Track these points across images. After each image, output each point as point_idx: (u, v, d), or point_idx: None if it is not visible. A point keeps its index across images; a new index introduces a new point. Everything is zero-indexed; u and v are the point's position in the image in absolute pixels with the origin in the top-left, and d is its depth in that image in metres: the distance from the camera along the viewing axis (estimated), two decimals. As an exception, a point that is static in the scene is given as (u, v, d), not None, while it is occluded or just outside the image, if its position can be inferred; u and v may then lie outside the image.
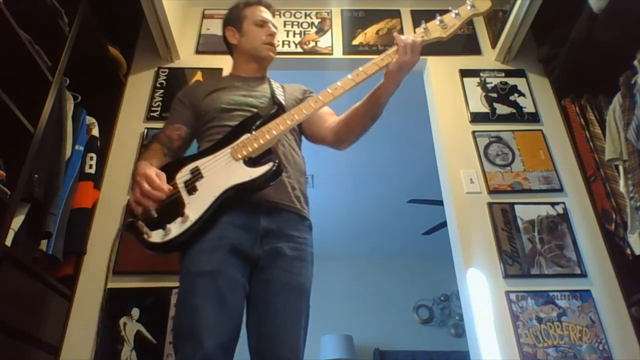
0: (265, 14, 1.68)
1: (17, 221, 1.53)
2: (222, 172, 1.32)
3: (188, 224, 1.24)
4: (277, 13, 2.69)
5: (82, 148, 1.92)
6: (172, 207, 1.27)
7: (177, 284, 1.82)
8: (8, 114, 1.43)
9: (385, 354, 4.88)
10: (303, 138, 1.64)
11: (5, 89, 1.40)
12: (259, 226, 1.32)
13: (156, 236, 1.24)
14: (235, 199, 1.29)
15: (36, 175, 1.60)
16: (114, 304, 1.80)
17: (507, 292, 1.86)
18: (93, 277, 1.86)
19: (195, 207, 1.27)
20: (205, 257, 1.23)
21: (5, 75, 1.46)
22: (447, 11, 2.90)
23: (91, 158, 1.97)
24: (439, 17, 1.43)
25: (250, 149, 1.34)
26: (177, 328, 1.20)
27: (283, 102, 1.52)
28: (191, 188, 1.30)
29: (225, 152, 1.36)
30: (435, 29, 1.43)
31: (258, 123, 1.40)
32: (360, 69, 1.40)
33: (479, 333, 1.80)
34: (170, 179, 1.33)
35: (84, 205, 1.89)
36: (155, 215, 1.26)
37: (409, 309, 5.33)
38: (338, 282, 5.01)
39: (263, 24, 1.65)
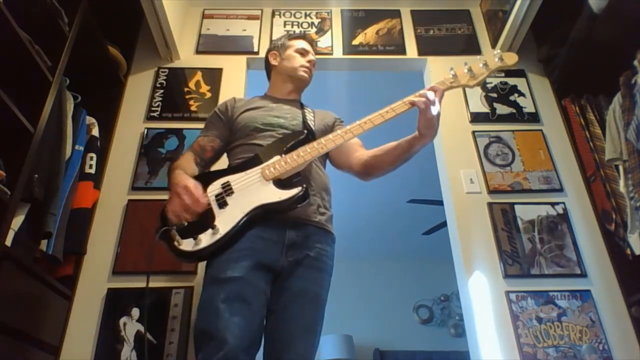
0: (307, 46, 1.80)
1: (17, 221, 1.53)
2: (252, 190, 1.39)
3: (218, 236, 1.30)
4: (277, 13, 2.71)
5: (82, 148, 1.92)
6: (203, 219, 1.34)
7: (177, 284, 1.84)
8: (8, 114, 1.43)
9: (385, 354, 4.88)
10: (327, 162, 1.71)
11: (5, 89, 1.40)
12: (284, 238, 1.40)
13: (187, 245, 1.30)
14: (262, 217, 1.36)
15: (36, 175, 1.60)
16: (114, 304, 1.80)
17: (507, 292, 1.86)
18: (93, 277, 1.86)
19: (225, 220, 1.33)
20: (232, 265, 1.29)
21: (5, 75, 1.46)
22: (446, 12, 2.92)
23: (91, 158, 1.97)
24: (467, 66, 1.49)
25: (280, 171, 1.41)
26: (200, 329, 1.23)
27: (313, 128, 1.60)
28: (222, 202, 1.37)
29: (256, 171, 1.43)
30: (463, 76, 1.50)
31: (289, 146, 1.48)
32: (390, 107, 1.46)
33: (479, 333, 1.80)
34: (202, 190, 1.39)
35: (84, 205, 1.89)
36: (186, 224, 1.32)
37: (409, 309, 5.33)
38: (338, 282, 4.96)
39: (305, 52, 1.77)
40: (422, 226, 4.58)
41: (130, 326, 1.76)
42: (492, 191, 2.10)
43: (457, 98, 2.38)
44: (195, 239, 1.30)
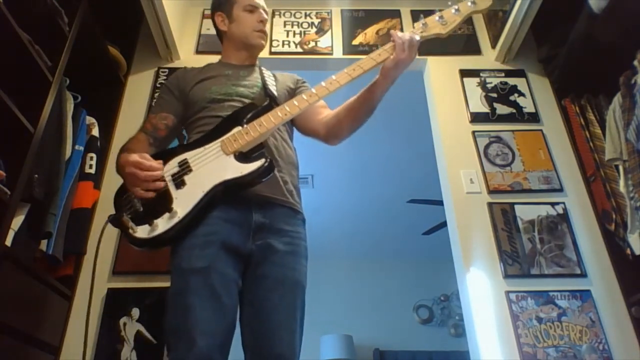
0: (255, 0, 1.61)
1: (17, 221, 1.53)
2: (212, 166, 1.27)
3: (176, 219, 1.20)
4: (277, 13, 2.71)
5: (82, 148, 1.92)
6: (159, 202, 1.23)
7: (177, 284, 1.83)
8: (8, 114, 1.43)
9: (385, 354, 4.88)
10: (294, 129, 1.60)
11: (5, 89, 1.40)
12: (251, 221, 1.29)
13: (142, 232, 1.20)
14: (225, 195, 1.25)
15: (36, 175, 1.60)
16: (114, 304, 1.80)
17: (507, 292, 1.86)
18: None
19: (184, 202, 1.22)
20: (197, 253, 1.19)
21: (5, 75, 1.46)
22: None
23: (91, 158, 1.97)
24: (438, 13, 1.39)
25: (241, 143, 1.29)
26: (170, 327, 1.15)
27: (275, 93, 1.48)
28: (179, 182, 1.26)
29: (215, 145, 1.31)
30: (434, 25, 1.39)
31: (250, 115, 1.35)
32: (357, 63, 1.36)
33: (479, 333, 1.80)
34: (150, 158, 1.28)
35: (84, 205, 1.89)
36: (141, 209, 1.23)
37: (409, 309, 5.33)
38: (338, 282, 5.01)
39: (253, 9, 1.58)
40: (422, 226, 4.58)
41: (130, 326, 1.76)
42: (492, 191, 2.10)
43: (457, 98, 2.38)
44: (150, 224, 1.20)
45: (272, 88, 1.49)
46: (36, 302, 1.63)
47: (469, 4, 1.40)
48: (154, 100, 1.56)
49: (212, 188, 1.24)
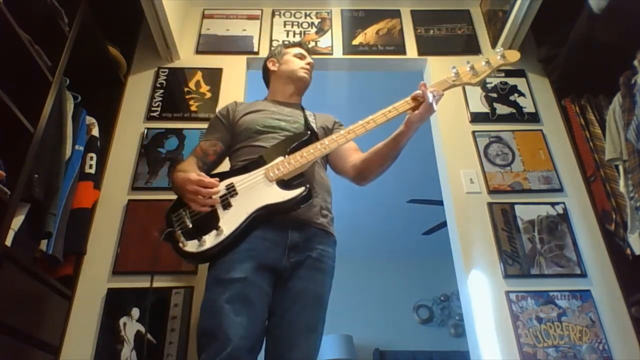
0: (304, 52, 1.83)
1: (17, 221, 1.53)
2: (256, 191, 1.41)
3: (222, 237, 1.33)
4: (277, 13, 2.71)
5: (82, 148, 1.92)
6: (208, 220, 1.36)
7: (177, 284, 1.84)
8: (8, 114, 1.43)
9: (385, 354, 4.88)
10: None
11: (5, 89, 1.40)
12: (287, 240, 1.41)
13: (191, 246, 1.33)
14: (266, 217, 1.38)
15: (36, 175, 1.60)
16: (114, 304, 1.80)
17: (507, 292, 1.86)
18: (93, 277, 1.86)
19: (229, 221, 1.35)
20: (236, 266, 1.30)
21: (5, 75, 1.46)
22: (446, 12, 2.92)
23: (91, 158, 1.97)
24: (469, 64, 1.52)
25: (284, 172, 1.43)
26: (204, 328, 1.24)
27: (315, 129, 1.62)
28: (226, 203, 1.39)
29: (260, 173, 1.44)
30: (465, 74, 1.52)
31: (292, 147, 1.49)
32: (392, 106, 1.49)
33: (479, 333, 1.80)
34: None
35: (84, 205, 1.89)
36: (190, 226, 1.36)
37: (409, 309, 5.33)
38: (338, 282, 4.97)
39: (302, 57, 1.81)
40: (422, 226, 4.58)
41: (130, 326, 1.76)
42: (492, 191, 2.10)
43: (457, 98, 2.38)
44: (199, 240, 1.32)
45: (313, 124, 1.65)
46: (36, 302, 1.62)
47: (499, 57, 1.53)
48: (207, 127, 1.73)
49: (255, 211, 1.37)
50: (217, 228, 1.34)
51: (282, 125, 1.61)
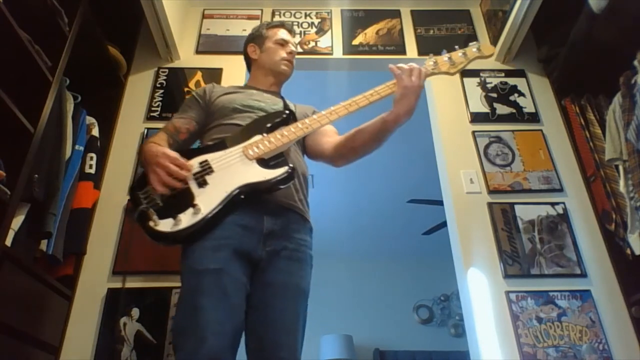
0: (287, 35, 1.74)
1: (17, 221, 1.53)
2: (235, 169, 1.32)
3: (200, 216, 1.23)
4: (277, 13, 2.71)
5: (82, 148, 1.92)
6: (180, 198, 1.26)
7: (177, 284, 1.83)
8: (8, 114, 1.43)
9: (385, 354, 4.88)
10: None
11: (5, 89, 1.40)
12: (262, 227, 1.33)
13: (164, 225, 1.22)
14: (246, 198, 1.29)
15: (36, 175, 1.60)
16: (114, 304, 1.80)
17: (507, 292, 1.86)
18: (93, 277, 1.86)
19: (207, 199, 1.25)
20: (210, 255, 1.22)
21: (5, 75, 1.46)
22: (446, 12, 2.92)
23: (91, 158, 1.97)
24: (446, 55, 1.51)
25: (264, 150, 1.36)
26: (180, 325, 1.18)
27: (294, 112, 1.56)
28: (201, 181, 1.30)
29: (237, 150, 1.36)
30: (443, 64, 1.50)
31: (270, 125, 1.43)
32: (374, 89, 1.44)
33: (479, 333, 1.80)
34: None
35: (84, 205, 1.88)
36: (161, 204, 1.25)
37: (409, 309, 5.33)
38: (338, 282, 5.01)
39: (284, 43, 1.72)
40: (422, 226, 4.58)
41: (130, 326, 1.76)
42: (492, 191, 2.10)
43: (457, 98, 2.39)
44: (174, 218, 1.21)
45: (292, 108, 1.60)
46: (36, 302, 1.62)
47: (474, 49, 1.54)
48: (181, 106, 1.64)
49: (236, 189, 1.28)
50: (193, 206, 1.23)
51: (260, 106, 1.54)
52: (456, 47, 1.54)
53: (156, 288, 1.82)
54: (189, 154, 1.36)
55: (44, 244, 1.65)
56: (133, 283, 1.84)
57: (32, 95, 1.59)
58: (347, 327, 4.89)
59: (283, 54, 1.69)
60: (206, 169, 1.32)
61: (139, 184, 1.34)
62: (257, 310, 1.27)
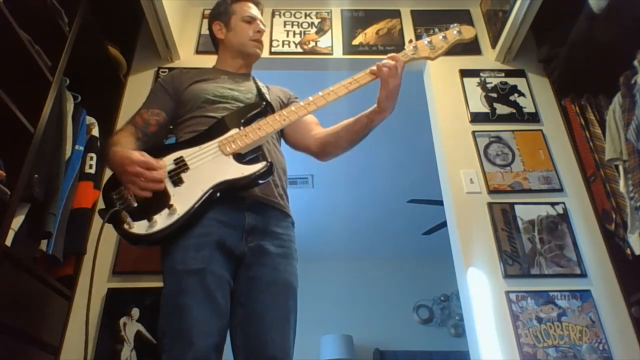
0: (254, 10, 1.65)
1: (17, 221, 1.53)
2: (211, 165, 1.28)
3: (175, 217, 1.18)
4: (277, 13, 2.71)
5: (82, 148, 1.92)
6: (155, 198, 1.20)
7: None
8: (8, 114, 1.43)
9: (385, 354, 4.88)
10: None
11: (5, 89, 1.40)
12: (244, 223, 1.30)
13: (139, 227, 1.17)
14: (223, 195, 1.25)
15: (36, 175, 1.60)
16: (114, 304, 1.80)
17: (507, 292, 1.86)
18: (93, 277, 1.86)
19: (183, 199, 1.21)
20: (192, 254, 1.18)
21: (5, 75, 1.46)
22: (446, 12, 2.91)
23: (91, 158, 1.97)
24: (427, 38, 1.47)
25: (240, 145, 1.31)
26: (165, 328, 1.15)
27: (269, 101, 1.51)
28: (177, 179, 1.25)
29: (213, 146, 1.31)
30: (423, 49, 1.46)
31: (245, 119, 1.38)
32: (353, 77, 1.41)
33: (479, 333, 1.80)
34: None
35: (83, 205, 1.88)
36: (135, 205, 1.20)
37: (409, 309, 5.33)
38: (338, 282, 5.01)
39: (251, 20, 1.62)
40: (422, 226, 4.58)
41: (130, 326, 1.76)
42: (492, 191, 2.10)
43: (457, 98, 2.39)
44: (149, 220, 1.16)
45: (266, 95, 1.53)
46: (36, 302, 1.63)
47: (455, 32, 1.49)
48: (148, 95, 1.57)
49: (213, 187, 1.24)
50: (169, 207, 1.18)
51: (234, 95, 1.48)
52: (436, 29, 1.49)
53: (156, 288, 1.82)
54: (163, 151, 1.32)
55: (44, 244, 1.65)
56: (133, 283, 1.84)
57: (32, 95, 1.60)
58: (347, 327, 4.89)
59: (251, 33, 1.60)
60: (181, 166, 1.27)
61: (111, 184, 1.28)
62: (244, 306, 1.24)
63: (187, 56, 2.51)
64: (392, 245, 5.28)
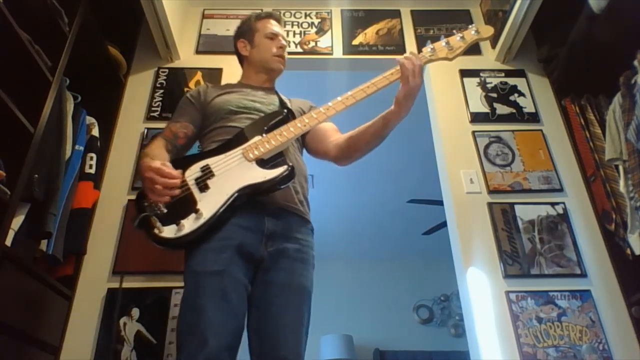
0: (276, 27, 1.73)
1: (17, 221, 1.53)
2: (235, 171, 1.34)
3: (202, 220, 1.25)
4: (277, 13, 2.71)
5: (82, 148, 1.92)
6: (183, 204, 1.28)
7: (177, 284, 1.83)
8: (8, 114, 1.43)
9: (385, 354, 4.88)
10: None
11: (5, 89, 1.40)
12: (264, 228, 1.35)
13: (168, 231, 1.24)
14: (247, 199, 1.32)
15: (36, 175, 1.60)
16: (114, 304, 1.80)
17: (507, 292, 1.86)
18: (93, 277, 1.86)
19: (209, 204, 1.28)
20: (212, 257, 1.24)
21: (5, 75, 1.46)
22: (446, 12, 2.92)
23: (91, 158, 1.97)
24: (445, 39, 1.48)
25: (263, 151, 1.37)
26: (182, 327, 1.21)
27: (291, 109, 1.56)
28: (203, 186, 1.32)
29: (237, 153, 1.38)
30: (441, 50, 1.47)
31: (268, 126, 1.44)
32: (371, 81, 1.42)
33: (479, 333, 1.80)
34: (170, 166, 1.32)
35: (83, 205, 1.89)
36: (165, 211, 1.26)
37: (409, 309, 5.33)
38: (338, 282, 5.01)
39: (274, 36, 1.69)
40: (422, 226, 4.58)
41: (130, 326, 1.76)
42: (492, 191, 2.10)
43: (457, 98, 2.38)
44: (177, 224, 1.24)
45: (288, 105, 1.60)
46: (36, 302, 1.63)
47: (472, 32, 1.51)
48: (176, 109, 1.64)
49: (237, 191, 1.30)
50: (196, 211, 1.26)
51: (256, 107, 1.54)
52: (454, 31, 1.52)
53: (156, 288, 1.82)
54: (191, 160, 1.39)
55: (44, 244, 1.65)
56: (133, 283, 1.84)
57: (32, 95, 1.60)
58: (347, 327, 4.90)
59: (274, 49, 1.67)
60: (207, 173, 1.34)
61: (143, 193, 1.35)
62: (260, 309, 1.28)
63: (187, 56, 2.51)
64: (392, 245, 5.28)
